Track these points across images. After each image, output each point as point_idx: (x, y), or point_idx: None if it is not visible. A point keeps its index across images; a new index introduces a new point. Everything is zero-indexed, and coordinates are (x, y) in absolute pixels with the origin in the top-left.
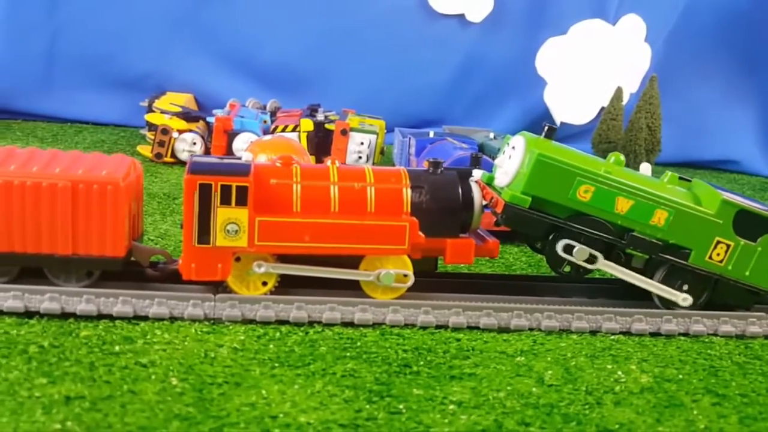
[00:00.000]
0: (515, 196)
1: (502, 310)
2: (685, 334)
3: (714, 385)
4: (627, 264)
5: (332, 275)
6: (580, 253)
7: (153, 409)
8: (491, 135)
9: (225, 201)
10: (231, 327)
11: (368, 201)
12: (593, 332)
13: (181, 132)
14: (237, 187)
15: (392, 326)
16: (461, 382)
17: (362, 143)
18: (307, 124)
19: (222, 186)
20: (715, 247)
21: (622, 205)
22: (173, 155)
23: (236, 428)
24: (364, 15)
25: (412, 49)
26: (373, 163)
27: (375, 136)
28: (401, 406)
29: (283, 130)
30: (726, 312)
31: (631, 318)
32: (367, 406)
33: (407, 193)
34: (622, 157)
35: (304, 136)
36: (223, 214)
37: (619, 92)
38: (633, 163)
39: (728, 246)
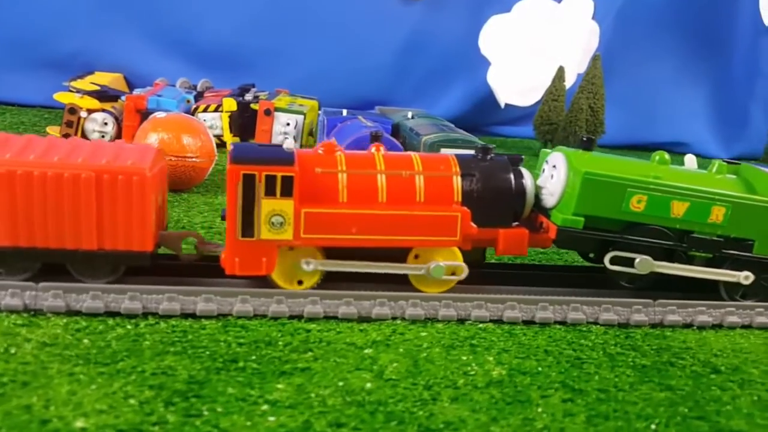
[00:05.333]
0: (567, 219)
1: (363, 299)
2: (563, 323)
3: (573, 379)
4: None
5: (380, 270)
6: (643, 264)
7: None
8: (409, 114)
9: (270, 192)
10: (51, 319)
11: (417, 190)
12: (462, 320)
13: (91, 111)
14: (282, 177)
15: (238, 317)
16: (289, 379)
17: (288, 124)
18: (230, 104)
19: (266, 176)
20: None
21: (678, 208)
22: (84, 136)
23: None
24: None
25: (354, 28)
26: (301, 145)
27: (302, 116)
28: (204, 408)
29: (205, 110)
30: (610, 299)
31: (503, 305)
32: (162, 409)
33: (458, 182)
34: (667, 156)
35: (226, 116)
36: (267, 206)
37: (560, 72)
38: (573, 146)
39: None
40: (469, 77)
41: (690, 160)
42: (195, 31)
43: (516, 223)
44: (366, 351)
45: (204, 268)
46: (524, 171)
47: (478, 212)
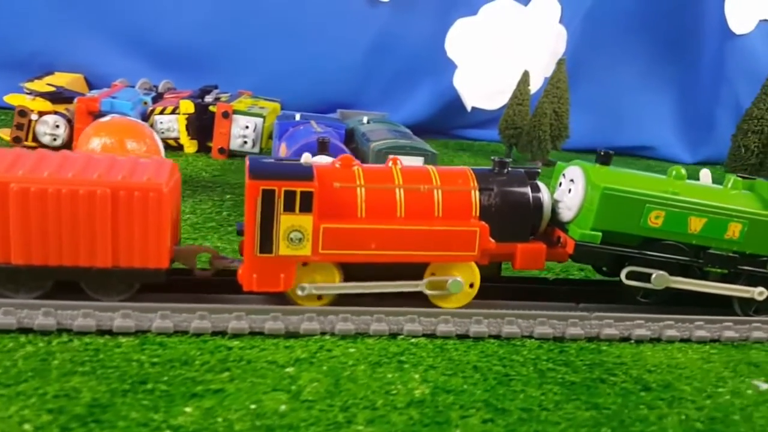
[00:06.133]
0: (585, 234)
1: (292, 313)
2: (497, 337)
3: (498, 398)
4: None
5: (391, 289)
6: (659, 279)
7: None
8: (364, 119)
9: (289, 207)
10: None
11: (435, 205)
12: (394, 335)
13: (42, 114)
14: (301, 192)
15: (158, 334)
16: (199, 402)
17: (247, 127)
18: (187, 106)
19: (286, 192)
20: None
21: (695, 224)
22: (35, 139)
23: None
24: None
25: (321, 29)
26: (260, 149)
27: (261, 119)
28: None
29: (161, 113)
30: (546, 312)
31: (436, 319)
32: None
33: (476, 196)
34: (683, 171)
35: (183, 118)
36: (286, 221)
37: (525, 76)
38: (537, 149)
39: None
40: (435, 80)
41: (705, 175)
42: (158, 31)
43: (532, 237)
44: (287, 369)
45: (221, 284)
46: (541, 185)
47: (495, 227)
